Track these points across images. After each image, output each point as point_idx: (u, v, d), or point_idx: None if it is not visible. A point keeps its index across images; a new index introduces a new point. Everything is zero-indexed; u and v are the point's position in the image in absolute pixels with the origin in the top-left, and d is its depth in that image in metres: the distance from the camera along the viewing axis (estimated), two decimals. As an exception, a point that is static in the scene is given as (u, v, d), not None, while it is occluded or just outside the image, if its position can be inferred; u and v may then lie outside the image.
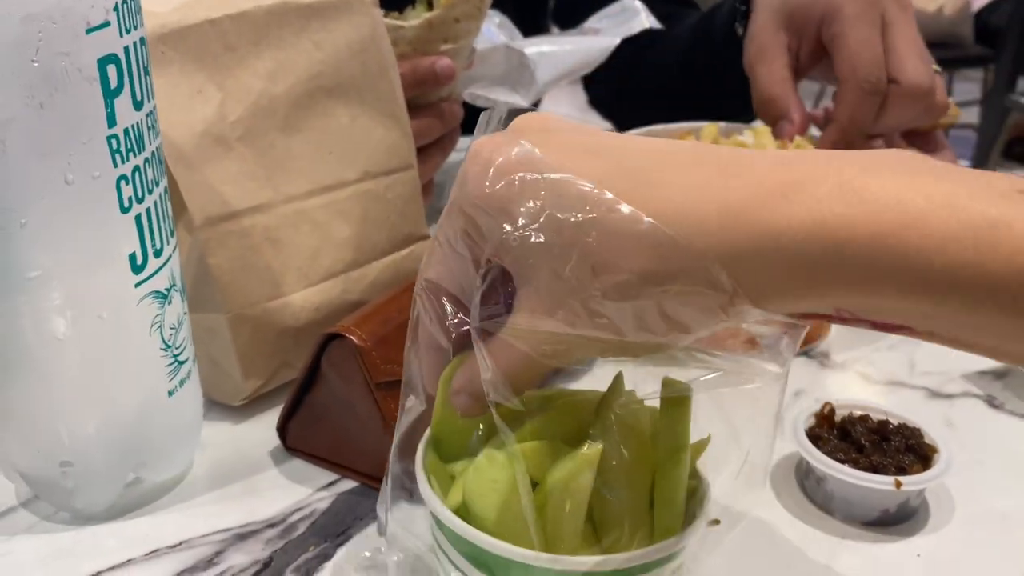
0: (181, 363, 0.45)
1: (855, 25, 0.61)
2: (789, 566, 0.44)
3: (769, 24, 0.67)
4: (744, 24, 0.70)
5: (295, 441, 0.50)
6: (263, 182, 0.53)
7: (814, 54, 0.65)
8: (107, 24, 0.38)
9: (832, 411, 0.50)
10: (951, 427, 0.55)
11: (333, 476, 0.48)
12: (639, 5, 0.83)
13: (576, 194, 0.30)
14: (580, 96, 1.14)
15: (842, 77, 0.61)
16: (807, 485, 0.48)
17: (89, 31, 0.37)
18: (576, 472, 0.33)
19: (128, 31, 0.39)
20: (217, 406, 0.53)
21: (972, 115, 3.49)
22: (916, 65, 0.62)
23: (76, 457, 0.42)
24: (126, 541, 0.44)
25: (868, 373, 0.61)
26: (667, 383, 0.35)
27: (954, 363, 0.61)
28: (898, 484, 0.44)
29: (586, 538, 0.34)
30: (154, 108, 0.42)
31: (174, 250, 0.44)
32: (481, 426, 0.36)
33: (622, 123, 0.81)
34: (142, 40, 0.41)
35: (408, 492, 0.37)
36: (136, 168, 0.40)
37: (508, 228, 0.31)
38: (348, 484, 0.48)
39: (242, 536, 0.44)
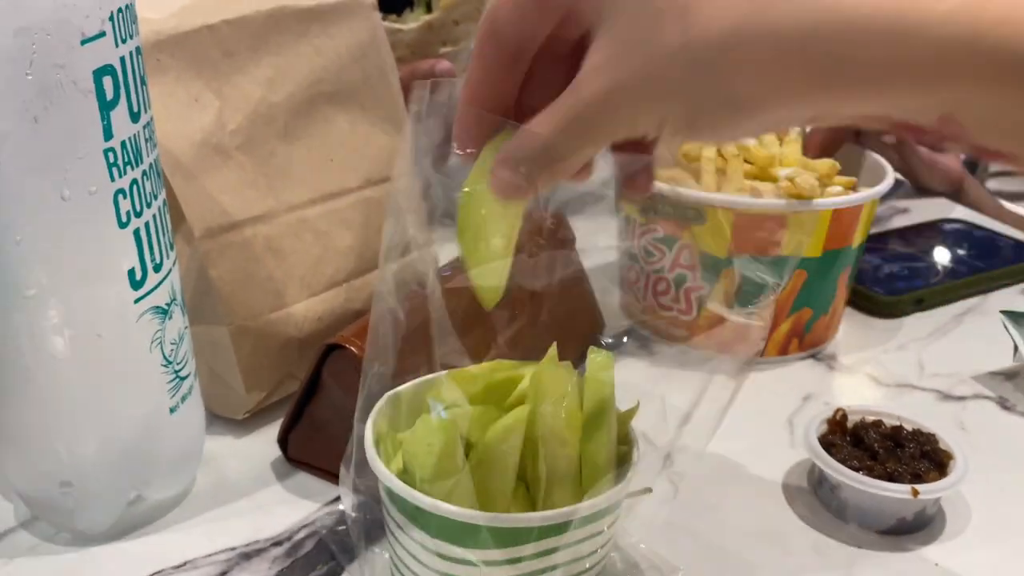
0: (183, 379, 0.44)
1: None
2: (805, 574, 0.43)
3: None
4: None
5: (297, 452, 0.49)
6: (264, 191, 0.52)
7: None
8: (103, 34, 0.37)
9: (844, 417, 0.49)
10: (964, 431, 0.54)
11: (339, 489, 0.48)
12: None
13: None
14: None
15: None
16: (820, 493, 0.48)
17: (84, 42, 0.36)
18: (506, 434, 0.35)
19: (124, 40, 0.38)
20: (220, 420, 0.52)
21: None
22: None
23: (76, 477, 0.42)
24: (128, 562, 0.43)
25: (877, 375, 0.60)
26: (592, 352, 0.38)
27: (963, 364, 0.61)
28: (915, 492, 0.44)
29: (520, 498, 0.36)
30: (151, 119, 0.41)
31: (174, 263, 0.44)
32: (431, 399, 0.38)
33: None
34: (138, 50, 0.40)
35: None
36: (134, 181, 0.40)
37: None
38: (354, 498, 0.47)
39: (247, 555, 0.43)
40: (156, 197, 0.42)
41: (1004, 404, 0.57)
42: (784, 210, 0.55)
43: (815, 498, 0.48)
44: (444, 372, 0.40)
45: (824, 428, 0.49)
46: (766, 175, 0.58)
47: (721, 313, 0.39)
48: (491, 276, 0.35)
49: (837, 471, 0.45)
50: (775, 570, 0.43)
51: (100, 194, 0.38)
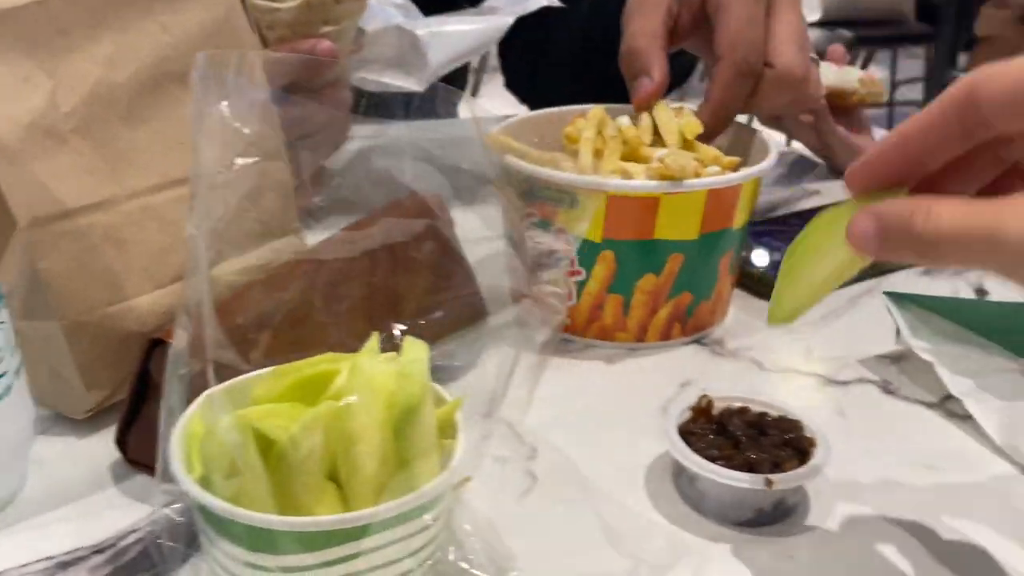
0: (-4, 377, 0.41)
1: (741, 1, 0.58)
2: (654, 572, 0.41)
3: None
4: None
5: (136, 454, 0.46)
6: (104, 177, 0.49)
7: (695, 21, 0.62)
8: None
9: (710, 403, 0.47)
10: (842, 416, 0.53)
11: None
12: None
13: None
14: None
15: (720, 53, 0.58)
16: (679, 484, 0.46)
17: None
18: (304, 431, 0.33)
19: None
20: (61, 419, 0.50)
21: (916, 92, 3.52)
22: (793, 52, 0.59)
23: None
24: (-66, 574, 0.40)
25: (761, 361, 0.58)
26: (407, 341, 0.36)
27: (851, 348, 0.59)
28: (769, 483, 0.42)
29: (330, 498, 0.34)
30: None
31: (-18, 255, 0.41)
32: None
33: (536, 103, 0.77)
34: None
35: None
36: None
37: None
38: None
39: (65, 564, 0.40)
40: (-48, 183, 0.39)
41: (887, 388, 0.56)
42: (655, 191, 0.53)
43: (675, 490, 0.46)
44: (267, 369, 0.38)
45: (688, 416, 0.47)
46: (638, 156, 0.56)
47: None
48: (793, 300, 0.38)
49: (693, 462, 0.43)
50: (621, 567, 0.41)
51: None
